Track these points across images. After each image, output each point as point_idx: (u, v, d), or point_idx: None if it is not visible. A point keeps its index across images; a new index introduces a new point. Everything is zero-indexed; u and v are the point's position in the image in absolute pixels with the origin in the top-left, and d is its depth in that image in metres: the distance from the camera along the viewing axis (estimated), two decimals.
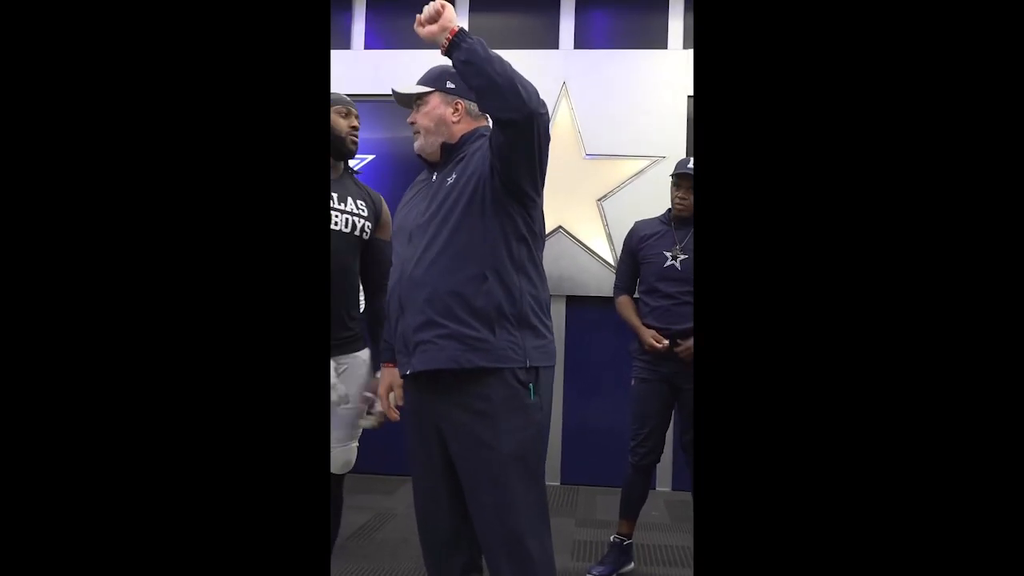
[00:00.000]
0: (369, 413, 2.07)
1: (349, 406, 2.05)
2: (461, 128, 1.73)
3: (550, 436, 4.06)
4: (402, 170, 3.76)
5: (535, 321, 1.63)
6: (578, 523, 3.31)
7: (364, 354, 2.13)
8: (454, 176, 1.66)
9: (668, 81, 3.82)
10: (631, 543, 2.77)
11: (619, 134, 3.86)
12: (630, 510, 2.74)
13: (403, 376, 1.68)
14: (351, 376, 2.07)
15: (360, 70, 3.95)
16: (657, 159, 3.79)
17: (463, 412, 1.59)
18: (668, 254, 2.64)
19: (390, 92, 1.78)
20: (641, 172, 3.81)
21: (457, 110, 1.72)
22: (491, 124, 1.60)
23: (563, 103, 3.89)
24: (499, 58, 1.54)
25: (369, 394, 2.05)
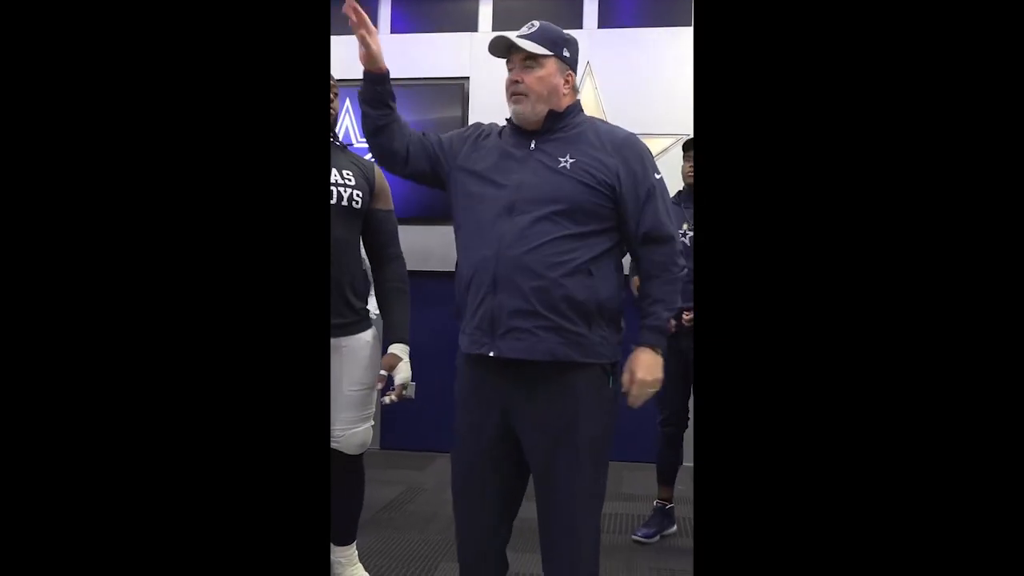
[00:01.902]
0: (385, 391, 2.04)
1: (355, 388, 2.02)
2: (567, 100, 1.67)
3: None
4: None
5: (620, 318, 1.66)
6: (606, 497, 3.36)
7: (367, 335, 2.07)
8: (569, 157, 1.60)
9: (692, 59, 3.81)
10: (672, 507, 2.85)
11: (644, 113, 3.88)
12: (664, 477, 2.86)
13: (474, 355, 1.60)
14: (353, 359, 2.02)
15: (386, 54, 3.99)
16: (682, 136, 3.80)
17: (546, 402, 1.58)
18: (679, 231, 2.68)
19: (492, 40, 1.66)
20: (666, 150, 3.83)
21: (567, 82, 1.67)
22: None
23: (587, 83, 3.90)
24: None
25: (384, 371, 2.02)
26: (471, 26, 4.09)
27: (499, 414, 1.62)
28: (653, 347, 1.62)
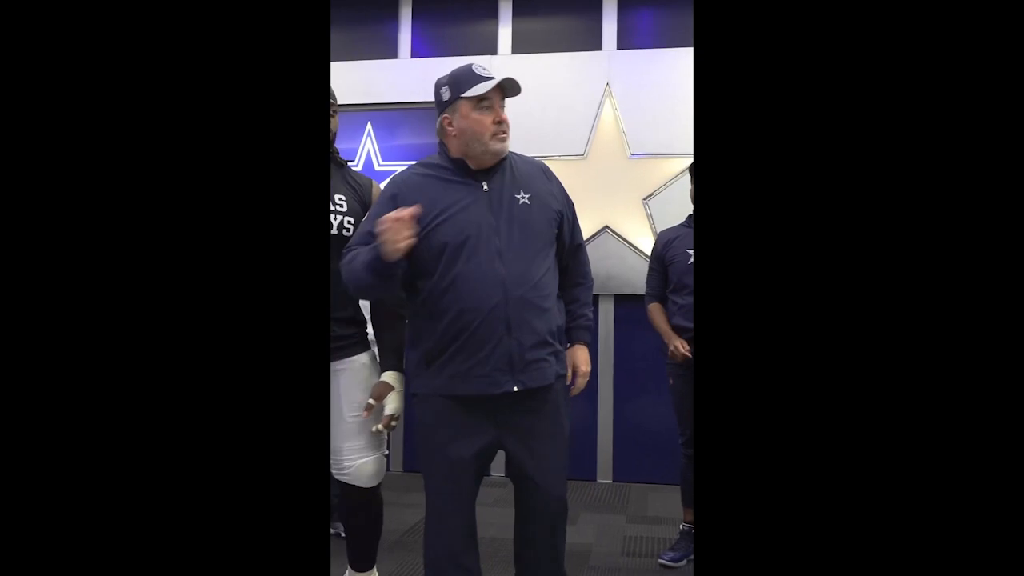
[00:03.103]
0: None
1: (356, 415, 1.96)
2: None
3: (601, 434, 4.05)
4: None
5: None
6: (629, 519, 3.33)
7: (363, 356, 2.02)
8: (523, 195, 1.73)
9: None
10: None
11: (663, 133, 3.88)
12: (689, 499, 2.83)
13: (497, 394, 1.69)
14: (350, 381, 1.98)
15: (407, 78, 4.05)
16: None
17: (539, 416, 1.76)
18: (691, 251, 2.71)
19: (508, 79, 1.71)
20: (685, 171, 3.81)
21: None
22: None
23: (607, 104, 3.91)
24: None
25: (372, 400, 1.94)
26: (491, 49, 4.13)
27: (491, 436, 1.74)
28: (586, 343, 1.89)
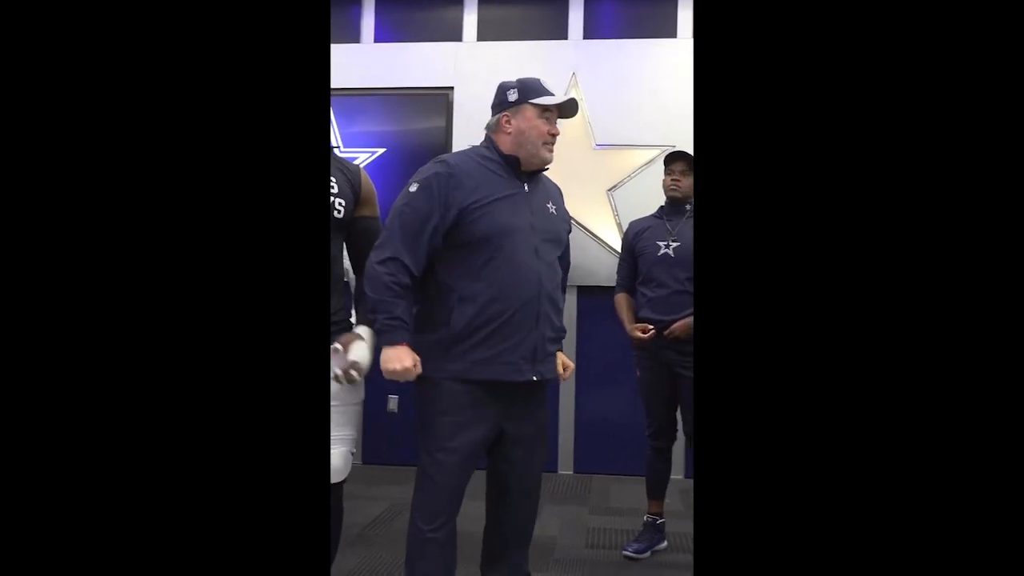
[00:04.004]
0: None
1: (335, 403, 1.83)
2: None
3: (563, 425, 4.06)
4: (412, 163, 3.78)
5: None
6: (592, 511, 3.33)
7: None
8: (552, 205, 1.93)
9: (677, 70, 3.81)
10: (663, 522, 2.82)
11: (629, 124, 3.87)
12: (653, 491, 2.83)
13: (517, 382, 1.80)
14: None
15: (370, 63, 3.97)
16: (666, 148, 3.79)
17: (539, 405, 1.94)
18: (661, 243, 2.70)
19: (573, 101, 1.91)
20: (651, 162, 3.81)
21: None
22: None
23: (573, 93, 3.88)
24: None
25: (338, 345, 1.80)
26: (455, 36, 4.07)
27: (496, 425, 1.84)
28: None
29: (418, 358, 1.74)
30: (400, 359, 1.72)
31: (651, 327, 2.64)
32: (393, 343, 1.73)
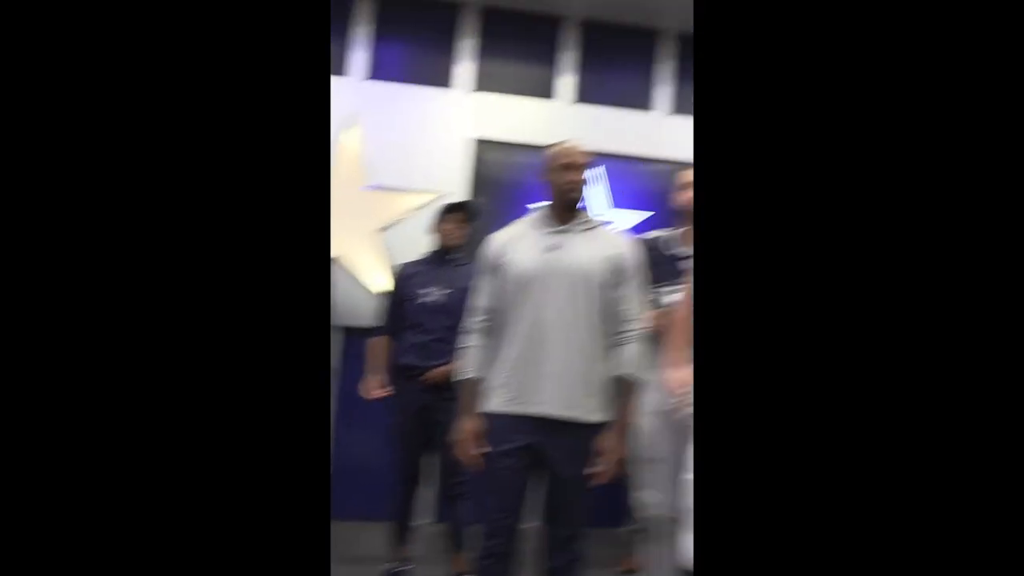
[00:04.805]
0: None
1: None
2: None
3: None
4: None
5: None
6: (339, 560, 3.21)
7: None
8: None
9: (454, 121, 3.92)
10: (412, 567, 2.79)
11: (405, 168, 3.90)
12: (456, 543, 2.82)
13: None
14: None
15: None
16: (440, 195, 3.86)
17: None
18: (427, 290, 2.73)
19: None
20: (423, 207, 3.86)
21: None
22: None
23: (351, 132, 3.86)
24: None
25: None
26: None
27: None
28: None
29: None
30: None
31: (385, 388, 2.67)
32: None
